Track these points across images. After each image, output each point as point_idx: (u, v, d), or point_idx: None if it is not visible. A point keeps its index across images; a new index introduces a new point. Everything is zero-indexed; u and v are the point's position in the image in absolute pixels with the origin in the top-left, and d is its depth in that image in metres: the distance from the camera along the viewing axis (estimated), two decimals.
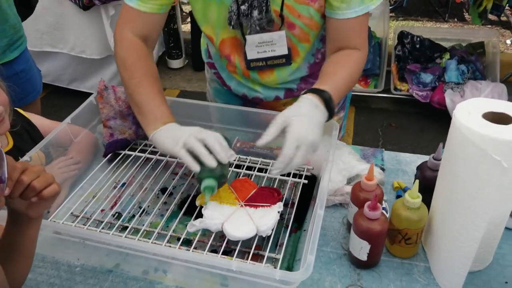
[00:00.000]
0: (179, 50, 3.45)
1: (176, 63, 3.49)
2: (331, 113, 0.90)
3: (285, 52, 1.04)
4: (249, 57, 1.05)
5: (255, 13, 0.97)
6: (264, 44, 1.02)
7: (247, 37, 1.01)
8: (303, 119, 0.84)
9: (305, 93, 0.90)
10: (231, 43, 1.06)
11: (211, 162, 0.82)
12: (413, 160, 1.12)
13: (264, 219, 0.85)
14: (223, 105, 1.16)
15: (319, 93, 0.89)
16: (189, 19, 3.70)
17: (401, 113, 2.95)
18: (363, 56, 1.02)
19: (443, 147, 0.82)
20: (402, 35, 2.90)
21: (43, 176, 0.64)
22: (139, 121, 0.98)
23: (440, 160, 0.87)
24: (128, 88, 0.99)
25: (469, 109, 0.73)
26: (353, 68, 1.00)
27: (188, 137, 0.85)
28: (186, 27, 3.80)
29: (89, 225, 0.90)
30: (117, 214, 0.96)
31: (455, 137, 0.73)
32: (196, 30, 3.36)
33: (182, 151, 0.84)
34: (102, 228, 0.89)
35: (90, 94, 1.14)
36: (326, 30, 1.05)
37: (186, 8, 4.09)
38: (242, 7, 0.96)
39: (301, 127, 0.83)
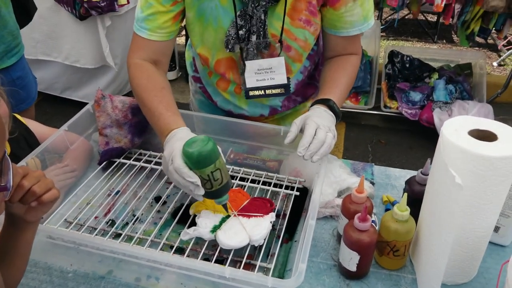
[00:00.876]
0: (173, 62, 3.48)
1: (169, 75, 3.51)
2: (337, 116, 1.00)
3: (284, 81, 1.05)
4: (248, 85, 1.05)
5: (253, 37, 1.00)
6: (263, 71, 1.04)
7: (247, 62, 1.02)
8: (317, 116, 0.95)
9: (312, 105, 1.01)
10: (227, 63, 1.07)
11: (199, 197, 0.82)
12: (402, 175, 1.15)
13: (257, 228, 0.86)
14: (215, 116, 1.17)
15: (325, 102, 1.00)
16: (183, 32, 3.74)
17: (391, 130, 3.00)
18: (359, 58, 1.12)
19: (431, 162, 0.85)
20: (392, 54, 2.98)
21: (43, 181, 0.66)
22: (154, 128, 0.98)
23: (427, 175, 0.90)
24: (142, 103, 0.99)
25: (456, 126, 0.76)
26: (351, 72, 1.09)
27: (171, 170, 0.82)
28: (180, 40, 3.84)
29: (82, 232, 0.90)
30: (110, 221, 0.97)
31: (438, 152, 0.77)
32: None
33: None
34: (96, 234, 0.89)
35: (81, 103, 1.15)
36: (324, 41, 1.10)
37: None
38: (240, 32, 0.99)
39: (318, 118, 0.94)
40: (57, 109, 3.06)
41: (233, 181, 1.07)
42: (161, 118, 0.93)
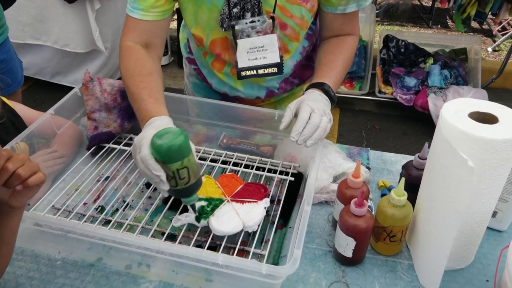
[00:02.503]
0: (165, 47, 3.42)
1: (161, 60, 3.45)
2: (332, 101, 0.97)
3: (277, 59, 1.01)
4: (240, 64, 1.02)
5: (248, 15, 0.97)
6: (255, 49, 1.01)
7: (238, 41, 0.99)
8: (312, 100, 0.92)
9: (307, 89, 0.98)
10: (222, 43, 1.04)
11: (164, 192, 0.77)
12: (398, 160, 1.13)
13: (250, 214, 0.84)
14: (209, 100, 1.14)
15: (320, 86, 0.97)
16: (175, 16, 3.67)
17: (385, 115, 2.98)
18: (356, 39, 1.09)
19: (429, 146, 0.83)
20: (387, 39, 2.94)
21: (28, 164, 0.63)
22: (138, 120, 0.91)
23: (425, 159, 0.88)
24: (127, 88, 0.95)
25: (456, 108, 0.74)
26: (348, 53, 1.06)
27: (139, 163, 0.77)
28: (172, 24, 3.77)
29: (71, 218, 0.87)
30: (100, 208, 0.94)
31: (437, 135, 0.75)
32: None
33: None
34: (84, 221, 0.87)
35: (72, 88, 1.11)
36: (321, 20, 1.07)
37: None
38: (235, 10, 0.96)
39: (312, 102, 0.91)
40: (48, 94, 3.00)
41: (226, 166, 1.04)
42: (143, 105, 0.88)
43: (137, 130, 1.13)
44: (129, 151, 1.07)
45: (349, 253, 0.83)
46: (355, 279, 0.83)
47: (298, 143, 0.87)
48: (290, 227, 0.92)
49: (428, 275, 0.80)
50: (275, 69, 1.03)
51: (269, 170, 1.03)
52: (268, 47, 1.00)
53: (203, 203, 0.86)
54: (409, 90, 2.79)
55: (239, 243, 0.83)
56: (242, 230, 0.83)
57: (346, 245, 0.82)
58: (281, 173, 1.02)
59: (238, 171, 1.03)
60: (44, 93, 3.05)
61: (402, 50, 2.91)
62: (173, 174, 0.74)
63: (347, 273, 0.84)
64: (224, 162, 1.06)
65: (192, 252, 0.72)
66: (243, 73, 1.03)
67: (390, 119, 2.94)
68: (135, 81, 0.93)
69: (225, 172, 1.03)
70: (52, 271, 0.82)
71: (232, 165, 1.05)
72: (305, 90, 0.99)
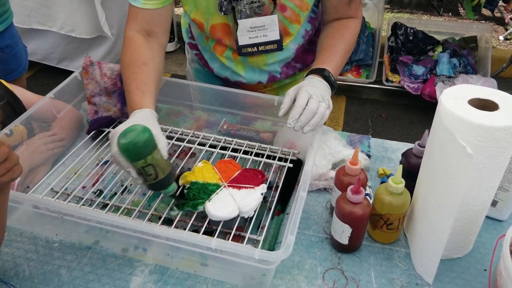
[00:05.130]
0: (171, 34, 3.41)
1: (168, 47, 3.44)
2: (332, 87, 0.96)
3: (277, 37, 1.03)
4: (241, 42, 1.03)
5: None
6: (256, 29, 1.01)
7: (239, 21, 0.99)
8: (310, 86, 0.91)
9: (307, 75, 0.97)
10: (222, 28, 1.04)
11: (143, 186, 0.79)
12: (400, 148, 1.12)
13: (247, 200, 0.84)
14: (210, 86, 1.13)
15: (320, 72, 0.96)
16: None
17: (392, 104, 2.95)
18: (359, 22, 1.07)
19: (428, 134, 0.81)
20: (395, 26, 2.90)
21: (6, 163, 0.62)
22: (130, 93, 0.94)
23: (425, 147, 0.87)
24: (122, 80, 0.98)
25: (456, 94, 0.73)
26: (350, 37, 1.04)
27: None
28: (179, 11, 3.75)
29: (69, 201, 0.88)
30: (98, 192, 0.95)
31: (436, 122, 0.73)
32: None
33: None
34: (83, 204, 0.87)
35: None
36: (322, 2, 1.05)
37: None
38: None
39: (311, 88, 0.90)
40: (54, 80, 3.01)
41: (225, 152, 1.04)
42: (130, 97, 0.91)
43: None
44: None
45: (345, 240, 0.82)
46: (350, 266, 0.83)
47: (295, 129, 0.87)
48: (287, 214, 0.91)
49: (424, 263, 0.80)
50: (275, 46, 1.04)
51: (268, 157, 1.03)
52: (268, 27, 1.01)
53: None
54: (417, 78, 2.76)
55: (235, 229, 0.83)
56: (239, 215, 0.83)
57: (342, 232, 0.82)
58: (280, 159, 1.02)
59: (237, 157, 1.02)
60: (51, 78, 3.06)
61: (411, 37, 2.87)
62: (139, 171, 0.75)
63: (343, 260, 0.84)
64: (223, 148, 1.06)
65: (187, 236, 0.72)
66: (243, 50, 1.04)
67: (396, 108, 2.91)
68: (128, 72, 0.95)
69: (224, 158, 1.02)
70: (49, 253, 0.83)
71: (231, 151, 1.04)
72: (305, 76, 0.98)
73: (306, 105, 0.87)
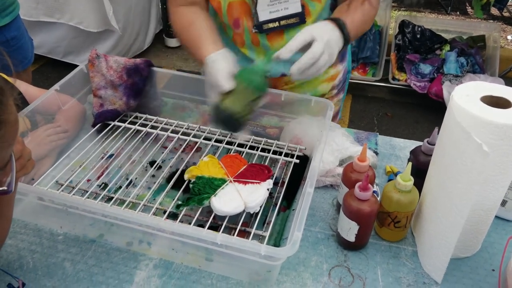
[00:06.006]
0: None
1: (173, 42, 3.43)
2: (346, 40, 0.92)
3: (299, 9, 0.99)
4: (261, 18, 1.00)
5: None
6: (276, 2, 0.98)
7: None
8: (327, 35, 0.88)
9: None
10: (239, 6, 1.01)
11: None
12: (407, 146, 1.11)
13: (253, 195, 0.83)
14: None
15: (335, 20, 0.92)
16: None
17: (398, 103, 2.93)
18: (374, 11, 1.02)
19: (438, 132, 0.80)
20: (403, 24, 2.87)
21: (21, 159, 0.62)
22: (193, 54, 0.99)
23: (434, 144, 0.85)
24: (183, 42, 1.03)
25: (468, 92, 0.71)
26: (366, 13, 0.99)
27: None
28: None
29: (73, 194, 0.87)
30: (103, 185, 0.94)
31: (448, 119, 0.72)
32: None
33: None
34: (87, 197, 0.87)
35: None
36: None
37: None
38: None
39: (329, 38, 0.88)
40: (60, 73, 3.01)
41: (231, 147, 1.03)
42: (197, 54, 0.96)
43: (142, 108, 1.13)
44: (134, 129, 1.07)
45: (351, 238, 0.81)
46: (357, 264, 0.82)
47: (291, 72, 0.87)
48: (293, 210, 0.90)
49: (433, 262, 0.79)
50: (297, 19, 1.00)
51: (275, 152, 1.02)
52: None
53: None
54: (424, 77, 2.73)
55: (241, 224, 0.82)
56: (244, 211, 0.82)
57: (349, 229, 0.81)
58: (286, 155, 1.01)
59: (243, 152, 1.01)
60: (56, 72, 3.06)
61: (418, 36, 2.84)
62: (246, 103, 0.84)
63: (349, 257, 0.83)
64: (229, 143, 1.05)
65: (192, 231, 0.71)
66: (265, 26, 1.01)
67: (402, 107, 2.89)
68: (183, 38, 1.01)
69: (230, 153, 1.01)
70: (53, 245, 0.83)
71: (237, 146, 1.03)
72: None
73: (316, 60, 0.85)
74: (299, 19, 1.00)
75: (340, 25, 0.91)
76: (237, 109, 0.84)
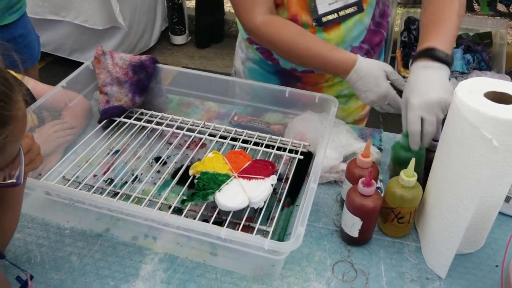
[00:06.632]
0: (183, 26, 3.41)
1: (179, 39, 3.45)
2: (448, 64, 0.87)
3: None
4: (320, 11, 1.00)
5: None
6: None
7: None
8: (422, 86, 0.84)
9: (415, 59, 0.91)
10: (298, 2, 1.01)
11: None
12: None
13: (257, 191, 0.84)
14: (220, 76, 1.12)
15: (429, 52, 0.87)
16: None
17: None
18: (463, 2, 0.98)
19: (442, 128, 0.80)
20: (409, 21, 2.86)
21: (29, 153, 0.63)
22: (323, 70, 1.02)
23: (437, 141, 0.85)
24: (293, 54, 1.00)
25: (471, 88, 0.71)
26: (459, 10, 0.95)
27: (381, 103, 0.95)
28: (190, 3, 3.74)
29: (80, 189, 0.89)
30: (109, 180, 0.95)
31: (453, 116, 0.72)
32: (201, 7, 3.31)
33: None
34: (94, 192, 0.88)
35: None
36: None
37: None
38: None
39: (420, 96, 0.83)
40: (66, 71, 3.03)
41: (235, 143, 1.04)
42: (334, 56, 0.96)
43: (148, 105, 1.14)
44: (140, 126, 1.08)
45: (355, 233, 0.82)
46: (360, 259, 0.82)
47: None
48: (297, 205, 0.91)
49: (437, 258, 0.79)
50: (355, 8, 1.02)
51: (279, 148, 1.02)
52: None
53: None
54: None
55: (245, 219, 0.83)
56: (248, 206, 0.83)
57: (353, 225, 0.81)
58: (290, 151, 1.01)
59: (247, 148, 1.02)
60: (62, 69, 3.08)
61: None
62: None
63: (353, 253, 0.83)
64: (233, 139, 1.05)
65: (196, 225, 0.72)
66: (324, 19, 1.01)
67: None
68: (306, 43, 0.97)
69: (234, 149, 1.02)
70: (60, 240, 0.84)
71: (242, 142, 1.04)
72: (411, 64, 0.91)
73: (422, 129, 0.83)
74: (357, 8, 1.02)
75: (438, 58, 0.85)
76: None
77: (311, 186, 0.77)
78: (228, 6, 3.61)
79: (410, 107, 0.84)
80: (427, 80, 0.85)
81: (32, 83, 1.14)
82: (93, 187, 0.90)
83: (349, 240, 0.85)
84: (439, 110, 0.82)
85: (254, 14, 0.98)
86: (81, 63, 1.13)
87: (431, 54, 0.87)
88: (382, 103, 0.96)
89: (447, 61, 0.86)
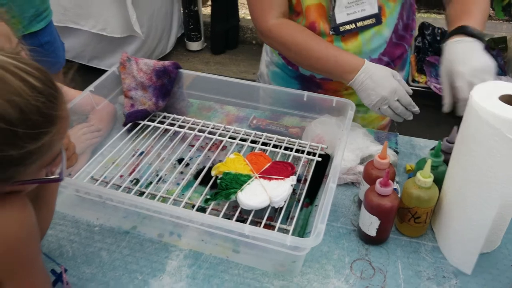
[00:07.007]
0: (198, 33, 3.47)
1: (194, 45, 3.51)
2: (482, 40, 0.91)
3: (375, 10, 1.02)
4: (338, 20, 1.03)
5: None
6: (354, 3, 1.01)
7: None
8: (463, 62, 0.87)
9: (447, 37, 0.94)
10: (316, 9, 1.04)
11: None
12: (428, 145, 1.13)
13: (278, 190, 0.87)
14: (238, 81, 1.15)
15: (462, 29, 0.91)
16: (209, 2, 3.70)
17: (418, 105, 2.92)
18: None
19: (457, 130, 0.83)
20: (423, 27, 2.88)
21: (68, 151, 0.68)
22: (329, 74, 1.03)
23: (453, 143, 0.88)
24: (302, 55, 1.02)
25: (486, 91, 0.74)
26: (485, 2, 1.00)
27: (384, 107, 0.97)
28: (206, 10, 3.81)
29: (108, 188, 0.93)
30: (135, 180, 0.99)
31: (471, 118, 0.74)
32: (216, 14, 3.37)
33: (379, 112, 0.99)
34: (121, 192, 0.92)
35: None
36: None
37: None
38: None
39: (465, 63, 0.87)
40: (85, 77, 3.10)
41: (255, 145, 1.07)
42: (339, 58, 0.99)
43: (170, 108, 1.18)
44: (163, 129, 1.12)
45: (372, 232, 0.84)
46: (378, 258, 0.85)
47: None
48: (315, 206, 0.94)
49: (462, 256, 0.82)
50: (373, 20, 1.03)
51: (297, 151, 1.05)
52: (366, 0, 1.01)
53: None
54: None
55: (266, 218, 0.86)
56: (269, 205, 0.86)
57: (370, 224, 0.84)
58: (308, 153, 1.05)
59: (267, 150, 1.06)
60: (82, 76, 3.15)
61: (438, 38, 2.84)
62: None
63: (371, 251, 0.86)
64: (253, 142, 1.09)
65: (221, 222, 0.75)
66: (341, 28, 1.03)
67: (422, 109, 2.84)
68: (316, 44, 1.00)
69: (254, 151, 1.06)
70: (90, 236, 0.88)
71: (261, 145, 1.07)
72: (447, 40, 0.94)
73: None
74: (375, 20, 1.03)
75: (471, 33, 0.89)
76: None
77: (330, 185, 0.80)
78: (242, 13, 3.67)
79: (458, 75, 0.86)
80: (466, 50, 0.89)
81: (64, 88, 1.19)
82: (120, 187, 0.94)
83: (366, 239, 0.87)
84: (487, 75, 0.86)
85: (268, 17, 1.01)
86: (100, 69, 1.18)
87: (463, 31, 0.90)
88: (392, 99, 0.97)
89: (480, 37, 0.89)
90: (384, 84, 0.96)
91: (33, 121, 0.50)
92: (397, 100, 0.98)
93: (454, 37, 0.92)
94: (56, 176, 0.58)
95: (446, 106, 0.90)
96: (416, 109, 1.01)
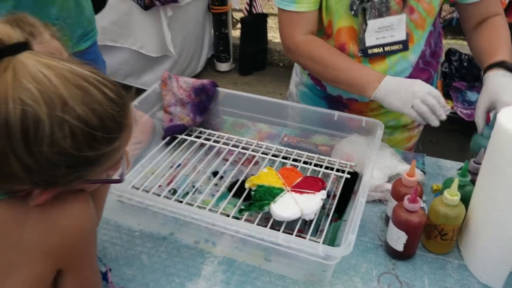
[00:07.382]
0: (227, 54, 3.59)
1: (223, 66, 3.62)
2: None
3: (403, 37, 1.07)
4: (368, 43, 1.08)
5: None
6: (383, 29, 1.06)
7: (368, 22, 1.05)
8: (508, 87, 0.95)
9: (489, 68, 1.01)
10: (347, 32, 1.09)
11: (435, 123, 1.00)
12: (454, 167, 1.16)
13: (309, 203, 0.91)
14: (270, 99, 1.21)
15: (503, 64, 0.99)
16: (239, 25, 3.83)
17: (443, 129, 2.90)
18: (504, 18, 1.09)
19: (485, 151, 0.86)
20: (450, 52, 2.90)
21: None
22: (352, 89, 1.07)
23: (480, 164, 0.91)
24: (328, 68, 1.07)
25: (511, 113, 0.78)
26: (505, 32, 1.07)
27: (417, 102, 0.98)
28: (235, 33, 3.93)
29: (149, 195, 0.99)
30: (173, 190, 1.05)
31: (499, 139, 0.78)
32: (245, 36, 3.49)
33: (413, 112, 0.99)
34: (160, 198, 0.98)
35: (141, 90, 1.23)
36: (460, 11, 1.12)
37: (236, 15, 4.22)
38: None
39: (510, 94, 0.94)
40: None
41: (286, 161, 1.12)
42: (363, 71, 1.05)
43: (206, 124, 1.25)
44: (199, 143, 1.18)
45: (400, 247, 0.88)
46: (404, 272, 0.87)
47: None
48: (344, 221, 0.98)
49: (492, 273, 0.84)
50: (401, 46, 1.09)
51: (326, 168, 1.10)
52: (396, 27, 1.06)
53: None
54: (471, 105, 2.73)
55: (296, 230, 0.90)
56: (300, 218, 0.90)
57: (398, 239, 0.87)
58: (337, 170, 1.09)
59: (297, 166, 1.10)
60: None
61: (465, 64, 2.86)
62: None
63: (398, 266, 0.89)
64: (284, 158, 1.14)
65: (255, 229, 0.80)
66: (369, 51, 1.09)
67: (448, 133, 2.88)
68: (341, 57, 1.07)
69: (285, 165, 1.11)
70: (131, 240, 0.94)
71: (292, 161, 1.12)
72: (488, 72, 1.01)
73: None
74: (402, 46, 1.09)
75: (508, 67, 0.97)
76: None
77: (360, 200, 0.84)
78: (271, 36, 3.78)
79: (504, 104, 0.94)
80: (510, 84, 0.97)
81: None
82: (159, 195, 1.00)
83: (394, 254, 0.90)
84: None
85: (296, 33, 1.08)
86: (131, 87, 1.25)
87: (505, 65, 0.98)
88: (424, 91, 0.98)
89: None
90: (413, 81, 1.00)
91: (109, 127, 0.56)
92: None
93: (495, 70, 0.99)
94: (117, 177, 0.65)
95: (480, 129, 0.99)
96: (448, 108, 1.02)
